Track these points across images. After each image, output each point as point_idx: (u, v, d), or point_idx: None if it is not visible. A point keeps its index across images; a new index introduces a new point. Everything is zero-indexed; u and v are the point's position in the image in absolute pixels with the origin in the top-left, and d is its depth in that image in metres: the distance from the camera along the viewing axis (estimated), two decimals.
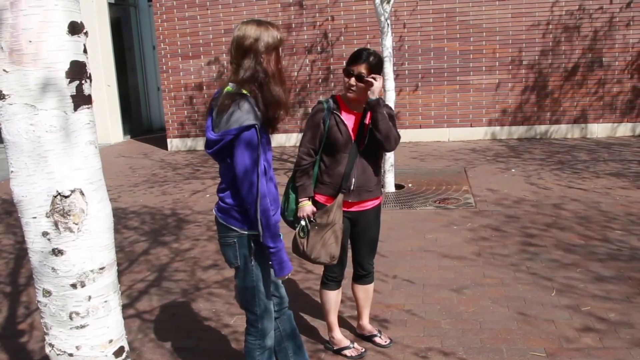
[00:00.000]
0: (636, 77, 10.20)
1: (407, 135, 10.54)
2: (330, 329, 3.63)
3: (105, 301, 2.02)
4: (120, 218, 6.69)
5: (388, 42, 7.04)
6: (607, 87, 10.25)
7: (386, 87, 7.05)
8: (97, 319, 2.00)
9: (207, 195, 7.52)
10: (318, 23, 10.59)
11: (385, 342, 3.65)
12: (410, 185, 7.47)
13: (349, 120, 3.29)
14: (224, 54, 10.83)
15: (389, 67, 7.05)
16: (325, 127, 3.26)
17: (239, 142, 2.45)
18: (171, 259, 5.35)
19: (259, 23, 2.54)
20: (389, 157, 7.16)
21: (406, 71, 10.49)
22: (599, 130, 10.34)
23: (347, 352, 3.57)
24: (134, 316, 4.21)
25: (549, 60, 10.21)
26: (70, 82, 1.86)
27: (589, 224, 5.67)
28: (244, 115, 2.44)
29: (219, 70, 10.91)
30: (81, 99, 1.91)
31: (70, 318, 1.97)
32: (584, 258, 4.82)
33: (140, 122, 13.85)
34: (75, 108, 1.89)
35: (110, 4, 12.30)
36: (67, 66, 1.85)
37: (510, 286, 4.37)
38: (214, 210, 2.76)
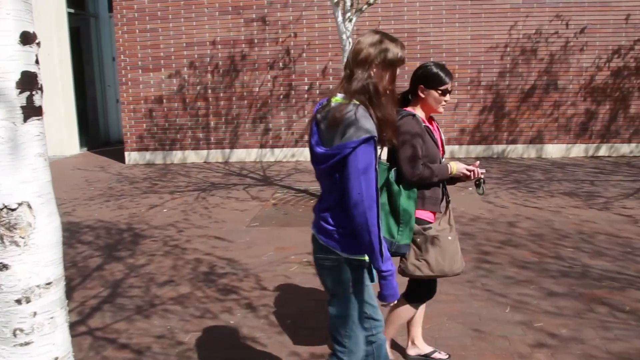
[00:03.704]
0: (589, 100, 10.50)
1: None
2: (416, 338, 3.66)
3: (52, 317, 1.96)
4: (74, 232, 6.54)
5: None
6: (562, 109, 10.53)
7: None
8: (43, 336, 1.95)
9: (165, 210, 7.42)
10: (281, 39, 10.63)
11: (446, 356, 3.67)
12: None
13: (435, 132, 3.31)
14: (185, 68, 10.77)
15: None
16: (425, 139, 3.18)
17: (356, 157, 2.25)
18: (126, 274, 5.24)
19: (384, 36, 2.41)
20: None
21: None
22: (554, 150, 10.60)
23: (437, 355, 3.62)
24: (86, 333, 4.10)
25: (507, 81, 10.45)
26: (20, 92, 1.82)
27: (542, 241, 5.79)
28: (362, 126, 2.25)
29: (179, 83, 10.83)
30: (31, 110, 1.86)
31: (14, 335, 1.90)
32: (537, 275, 4.90)
33: (98, 135, 13.62)
34: (25, 119, 1.84)
35: (70, 14, 12.12)
36: (17, 76, 1.81)
37: (466, 302, 4.42)
38: (312, 230, 2.56)
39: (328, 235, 2.44)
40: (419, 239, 3.13)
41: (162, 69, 10.88)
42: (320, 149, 2.38)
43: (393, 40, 2.41)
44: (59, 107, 11.83)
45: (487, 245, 5.72)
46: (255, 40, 10.65)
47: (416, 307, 3.48)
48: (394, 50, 2.38)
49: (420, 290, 3.41)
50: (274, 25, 10.59)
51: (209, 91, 10.83)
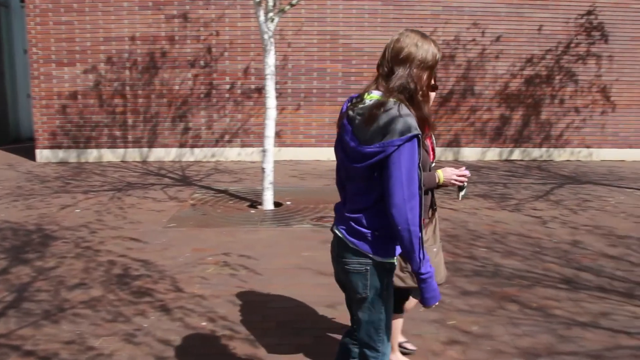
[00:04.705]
0: (504, 106, 10.90)
1: (287, 153, 10.63)
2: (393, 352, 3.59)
3: None
4: None
5: (271, 60, 7.06)
6: (478, 114, 10.89)
7: (267, 105, 7.07)
8: None
9: (77, 210, 7.14)
10: (202, 37, 10.46)
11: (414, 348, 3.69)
12: (288, 203, 7.49)
13: (426, 138, 3.24)
14: (102, 63, 10.42)
15: (270, 85, 7.06)
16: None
17: (401, 154, 2.17)
18: (33, 278, 4.99)
19: (423, 36, 2.33)
20: (268, 175, 7.14)
21: (289, 90, 10.59)
22: (470, 153, 10.94)
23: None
24: None
25: None
26: None
27: (458, 242, 5.94)
28: (408, 124, 2.17)
29: (96, 79, 10.47)
30: None
31: None
32: (451, 274, 5.02)
33: (7, 131, 12.97)
34: None
35: None
36: None
37: None
38: (339, 232, 2.44)
39: (361, 238, 2.34)
40: None
41: (78, 64, 10.48)
42: (358, 147, 2.27)
43: (432, 41, 2.36)
44: None
45: None
46: (176, 37, 10.43)
47: (397, 312, 3.48)
48: (433, 51, 2.33)
49: (396, 298, 3.46)
50: (195, 23, 10.41)
51: (127, 88, 10.52)
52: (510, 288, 4.78)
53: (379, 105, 2.25)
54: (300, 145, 10.77)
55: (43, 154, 10.74)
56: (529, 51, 10.88)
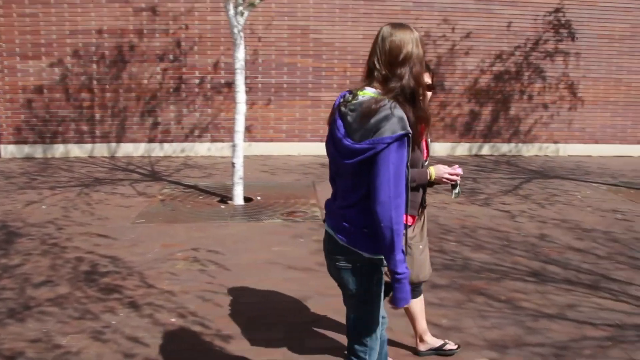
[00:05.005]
0: (473, 102, 11.00)
1: (258, 148, 10.59)
2: (424, 334, 3.63)
3: None
4: None
5: (240, 54, 7.00)
6: (448, 109, 10.97)
7: (237, 100, 7.02)
8: None
9: (44, 207, 7.00)
10: (171, 31, 10.34)
11: (455, 346, 3.69)
12: (259, 198, 7.46)
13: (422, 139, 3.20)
14: (69, 57, 10.23)
15: (240, 80, 7.01)
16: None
17: (389, 153, 2.17)
18: None
19: (412, 30, 2.32)
20: (238, 170, 7.10)
21: (259, 84, 10.54)
22: (440, 149, 11.01)
23: (448, 347, 3.62)
24: None
25: None
26: None
27: (428, 236, 5.95)
28: (399, 122, 2.18)
29: (62, 73, 10.27)
30: None
31: None
32: None
33: None
34: None
35: None
36: None
37: None
38: (329, 230, 2.45)
39: (350, 235, 2.34)
40: None
41: (43, 57, 10.26)
42: (350, 143, 2.27)
43: (414, 29, 2.35)
44: None
45: None
46: (145, 31, 10.29)
47: (416, 296, 3.53)
48: (420, 44, 2.33)
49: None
50: (164, 16, 10.28)
51: (95, 82, 10.35)
52: (479, 281, 4.83)
53: (373, 102, 2.24)
54: (271, 140, 10.73)
55: (8, 150, 10.51)
56: (498, 47, 10.99)
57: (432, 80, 3.34)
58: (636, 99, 11.58)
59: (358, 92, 2.34)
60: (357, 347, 2.50)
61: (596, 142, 11.58)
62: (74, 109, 10.41)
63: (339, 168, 2.39)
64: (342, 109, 2.37)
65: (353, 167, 2.28)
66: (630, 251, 5.72)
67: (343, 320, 4.05)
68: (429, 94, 3.17)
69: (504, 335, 3.91)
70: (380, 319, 2.54)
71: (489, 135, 11.23)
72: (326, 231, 2.49)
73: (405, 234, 2.25)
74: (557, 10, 10.97)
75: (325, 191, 7.81)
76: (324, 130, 10.79)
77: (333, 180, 2.52)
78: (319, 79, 10.65)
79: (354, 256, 2.35)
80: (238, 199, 7.17)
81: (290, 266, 5.10)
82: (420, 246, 3.24)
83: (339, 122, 2.36)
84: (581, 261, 5.39)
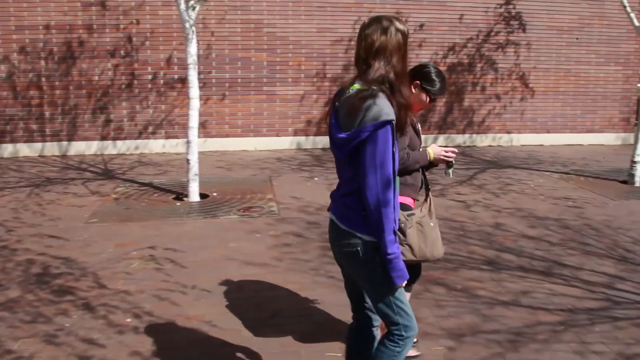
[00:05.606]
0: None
1: (213, 144, 10.48)
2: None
3: None
4: None
5: (193, 49, 6.91)
6: None
7: (190, 95, 6.92)
8: None
9: None
10: (122, 26, 10.12)
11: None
12: (215, 194, 7.38)
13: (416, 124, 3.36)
14: (15, 53, 9.92)
15: (193, 75, 6.92)
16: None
17: (374, 139, 2.26)
18: None
19: (386, 18, 2.38)
20: (193, 166, 7.01)
21: (213, 80, 10.42)
22: None
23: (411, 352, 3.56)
24: None
25: (351, 74, 10.73)
26: None
27: None
28: (381, 110, 2.26)
29: (9, 70, 9.95)
30: None
31: None
32: None
33: None
34: None
35: None
36: None
37: (310, 290, 4.47)
38: (333, 217, 2.58)
39: (350, 219, 2.45)
40: (402, 225, 3.11)
41: None
42: (340, 134, 2.38)
43: (395, 18, 2.41)
44: None
45: None
46: (94, 26, 10.05)
47: (407, 290, 3.51)
48: (401, 28, 2.38)
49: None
50: (114, 11, 10.06)
51: (43, 79, 10.06)
52: (435, 271, 4.88)
53: (358, 94, 2.34)
54: (226, 136, 10.62)
55: None
56: (451, 40, 11.11)
57: (434, 86, 3.32)
58: (585, 88, 11.88)
59: (350, 88, 2.44)
60: (391, 327, 2.57)
61: (547, 131, 11.84)
62: (22, 107, 10.11)
63: (338, 160, 2.52)
64: (336, 103, 2.49)
65: (345, 158, 2.40)
66: (581, 237, 5.86)
67: (300, 315, 4.06)
68: (423, 95, 3.29)
69: (460, 323, 3.96)
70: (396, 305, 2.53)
71: (443, 127, 11.36)
72: (330, 219, 2.62)
73: (394, 221, 2.36)
74: (508, 2, 11.15)
75: (282, 186, 7.79)
76: (280, 125, 10.89)
77: (338, 171, 2.60)
78: (273, 73, 10.59)
79: (355, 239, 2.44)
80: (194, 196, 7.08)
81: (247, 262, 5.07)
82: (431, 224, 3.27)
83: (334, 117, 2.48)
84: (534, 248, 5.50)
